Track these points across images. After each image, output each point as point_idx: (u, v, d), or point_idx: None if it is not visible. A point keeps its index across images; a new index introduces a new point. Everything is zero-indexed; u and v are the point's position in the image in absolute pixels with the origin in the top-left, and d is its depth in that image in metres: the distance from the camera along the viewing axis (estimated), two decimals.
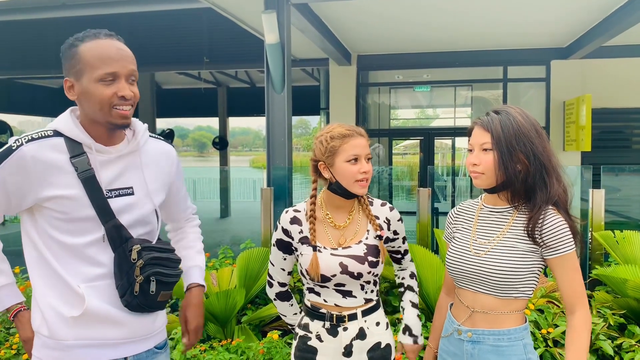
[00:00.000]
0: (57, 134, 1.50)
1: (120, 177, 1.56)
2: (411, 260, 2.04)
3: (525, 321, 1.70)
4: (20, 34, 9.87)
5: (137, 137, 1.61)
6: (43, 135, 1.49)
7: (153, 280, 1.54)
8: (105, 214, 1.50)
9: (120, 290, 1.53)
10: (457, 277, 1.74)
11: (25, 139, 1.46)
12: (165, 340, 1.72)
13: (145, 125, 1.68)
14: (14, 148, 1.45)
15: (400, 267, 2.02)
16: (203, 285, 1.81)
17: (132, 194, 1.58)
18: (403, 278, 2.01)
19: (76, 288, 1.48)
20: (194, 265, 1.82)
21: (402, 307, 2.00)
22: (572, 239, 1.60)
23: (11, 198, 1.48)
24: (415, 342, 1.91)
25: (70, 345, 1.50)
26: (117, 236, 1.52)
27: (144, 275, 1.52)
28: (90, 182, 1.49)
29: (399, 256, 1.98)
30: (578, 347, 1.57)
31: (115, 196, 1.54)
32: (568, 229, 1.60)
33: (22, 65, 10.52)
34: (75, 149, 1.49)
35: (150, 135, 1.69)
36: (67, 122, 1.51)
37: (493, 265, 1.63)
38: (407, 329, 1.93)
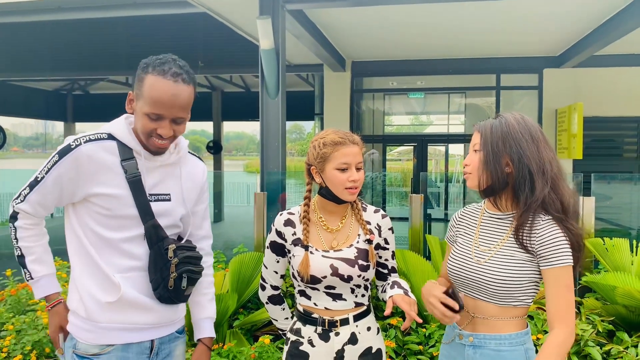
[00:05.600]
0: (110, 137, 1.65)
1: (160, 183, 1.72)
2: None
3: (527, 326, 1.69)
4: (15, 36, 9.85)
5: (180, 151, 1.77)
6: (99, 137, 1.63)
7: (185, 277, 1.71)
8: (146, 214, 1.66)
9: (154, 284, 1.69)
10: (458, 283, 1.75)
11: (83, 139, 1.61)
12: (183, 326, 1.88)
13: (187, 141, 1.83)
14: (72, 147, 1.59)
15: (382, 284, 1.95)
16: (213, 337, 1.92)
17: (169, 200, 1.74)
18: (388, 282, 1.93)
19: (112, 277, 1.63)
20: (206, 317, 1.91)
21: (385, 285, 1.90)
22: (567, 252, 1.56)
23: (64, 191, 1.63)
24: (407, 294, 1.73)
25: (103, 327, 1.65)
26: (155, 234, 1.68)
27: (178, 272, 1.69)
28: (136, 185, 1.65)
29: (385, 271, 1.94)
30: None
31: (154, 200, 1.70)
32: (563, 240, 1.56)
33: (16, 68, 10.50)
34: (126, 153, 1.65)
35: (188, 152, 1.85)
36: (121, 128, 1.66)
37: (493, 274, 1.62)
38: (396, 284, 1.80)
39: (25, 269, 1.72)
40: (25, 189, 1.67)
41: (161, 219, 1.70)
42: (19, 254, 1.72)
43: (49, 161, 1.61)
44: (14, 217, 1.70)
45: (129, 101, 1.66)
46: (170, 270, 1.67)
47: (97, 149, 1.61)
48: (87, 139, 1.61)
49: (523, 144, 1.61)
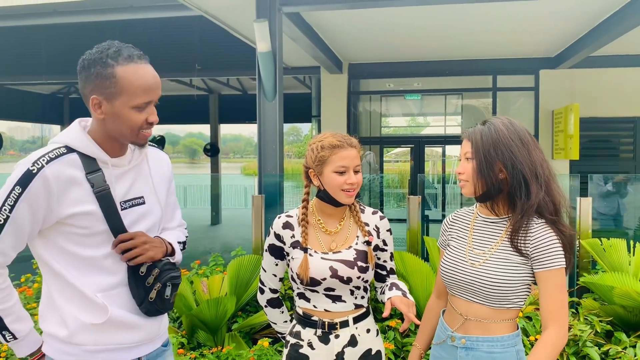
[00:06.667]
0: (69, 149, 1.50)
1: (132, 188, 1.61)
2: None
3: (517, 328, 1.72)
4: (11, 40, 9.83)
5: (144, 147, 1.64)
6: (59, 153, 1.47)
7: (169, 285, 1.62)
8: (117, 230, 1.54)
9: (138, 299, 1.59)
10: (451, 286, 1.76)
11: (44, 160, 1.44)
12: (168, 338, 1.80)
13: None
14: (34, 171, 1.42)
15: (381, 285, 1.97)
16: (170, 244, 1.70)
17: (144, 203, 1.63)
18: (386, 283, 1.95)
19: (95, 298, 1.52)
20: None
21: (384, 286, 1.92)
22: (560, 255, 1.58)
23: (35, 223, 1.46)
24: (405, 295, 1.75)
25: (89, 350, 1.55)
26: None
27: (162, 282, 1.60)
28: (104, 199, 1.51)
29: (384, 273, 1.95)
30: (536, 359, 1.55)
31: (130, 207, 1.58)
32: (557, 243, 1.59)
33: (12, 71, 10.47)
34: (90, 165, 1.51)
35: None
36: (80, 138, 1.52)
37: (487, 277, 1.64)
38: (394, 285, 1.82)
39: (5, 331, 1.53)
40: None
41: (139, 225, 1.60)
42: None
43: (8, 196, 1.41)
44: None
45: (96, 106, 1.49)
46: (150, 281, 1.58)
47: (62, 167, 1.45)
48: (48, 158, 1.44)
49: (514, 149, 1.63)
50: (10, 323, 1.54)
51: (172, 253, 1.70)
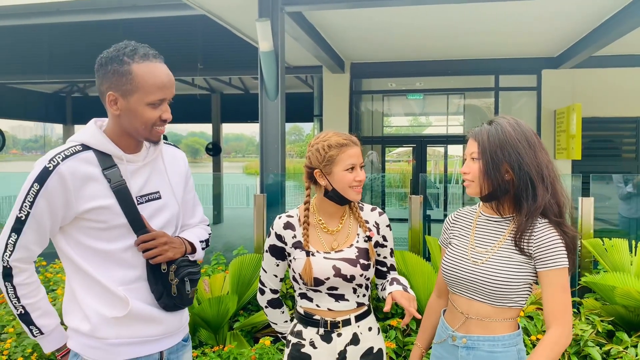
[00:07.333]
0: (85, 147, 1.55)
1: (148, 183, 1.65)
2: None
3: (519, 327, 1.72)
4: (14, 39, 9.85)
5: (159, 144, 1.69)
6: (75, 150, 1.53)
7: (187, 281, 1.66)
8: (136, 223, 1.58)
9: (156, 294, 1.63)
10: (452, 284, 1.76)
11: (60, 157, 1.50)
12: (188, 333, 1.83)
13: None
14: (50, 168, 1.48)
15: (382, 282, 1.97)
16: (191, 243, 1.73)
17: (160, 197, 1.67)
18: (387, 279, 1.94)
19: (117, 291, 1.56)
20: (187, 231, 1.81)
21: (385, 282, 1.92)
22: (563, 255, 1.58)
23: (56, 218, 1.52)
24: (406, 290, 1.76)
25: (112, 344, 1.58)
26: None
27: (179, 277, 1.63)
28: (122, 193, 1.56)
29: (385, 269, 1.95)
30: (537, 358, 1.56)
31: (146, 201, 1.63)
32: (560, 243, 1.59)
33: (15, 70, 10.50)
34: (106, 161, 1.56)
35: (163, 142, 1.77)
36: (95, 136, 1.57)
37: (489, 275, 1.64)
38: (395, 280, 1.84)
39: (32, 326, 1.59)
40: (9, 237, 1.51)
41: (155, 220, 1.64)
42: (22, 312, 1.57)
43: (27, 193, 1.47)
44: (7, 274, 1.53)
45: (112, 102, 1.54)
46: (170, 277, 1.62)
47: (77, 163, 1.51)
48: (63, 155, 1.50)
49: (521, 150, 1.62)
50: (37, 318, 1.59)
51: (193, 251, 1.73)
